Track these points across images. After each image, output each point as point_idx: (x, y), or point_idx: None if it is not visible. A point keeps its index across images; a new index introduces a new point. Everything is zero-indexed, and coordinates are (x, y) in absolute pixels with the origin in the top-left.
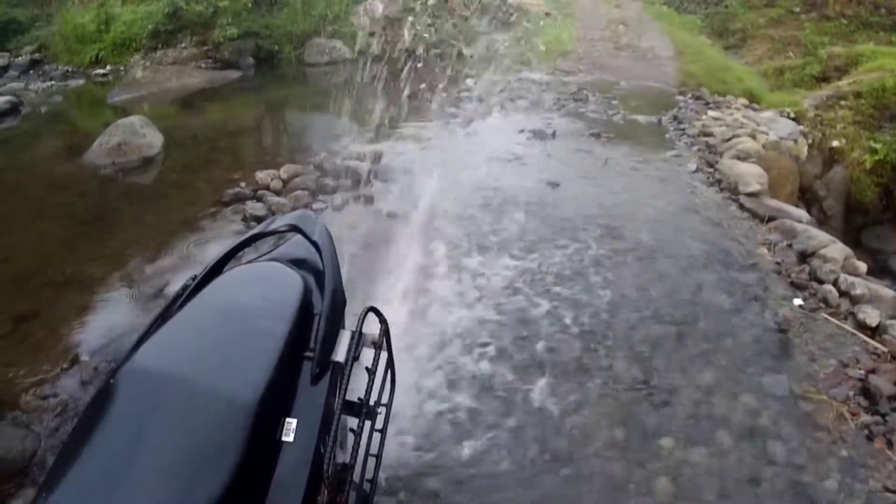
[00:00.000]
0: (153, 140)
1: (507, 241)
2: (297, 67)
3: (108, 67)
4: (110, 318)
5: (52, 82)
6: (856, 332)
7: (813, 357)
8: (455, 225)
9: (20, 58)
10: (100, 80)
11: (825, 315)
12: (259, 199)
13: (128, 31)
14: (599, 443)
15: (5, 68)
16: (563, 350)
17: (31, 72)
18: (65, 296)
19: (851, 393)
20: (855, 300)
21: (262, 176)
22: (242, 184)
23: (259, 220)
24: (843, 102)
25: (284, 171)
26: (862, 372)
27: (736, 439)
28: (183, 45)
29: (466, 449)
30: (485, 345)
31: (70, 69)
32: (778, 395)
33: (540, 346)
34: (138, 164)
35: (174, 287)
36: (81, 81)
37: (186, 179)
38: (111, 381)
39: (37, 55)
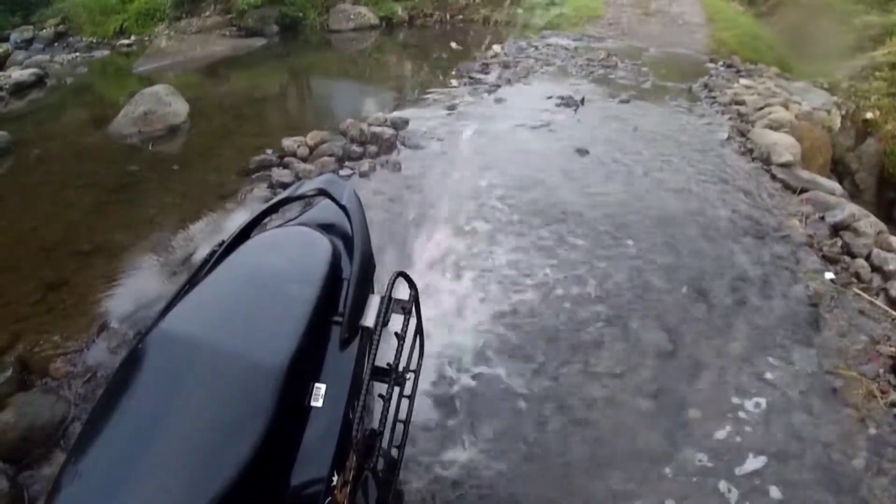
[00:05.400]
0: (179, 109)
1: (534, 212)
2: (321, 34)
3: (133, 38)
4: (138, 285)
5: (77, 54)
6: (888, 308)
7: (843, 332)
8: (480, 196)
9: (44, 31)
10: (124, 51)
11: (857, 290)
12: (285, 166)
13: (151, 1)
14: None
15: (30, 41)
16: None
17: (56, 44)
18: (93, 264)
19: (881, 370)
20: (887, 276)
21: (288, 143)
22: (269, 151)
23: (285, 186)
24: (877, 73)
25: (311, 138)
26: (893, 349)
27: (763, 413)
28: (207, 13)
29: None
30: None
31: (94, 41)
32: (807, 370)
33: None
34: (164, 132)
35: (201, 254)
36: (106, 52)
37: (212, 147)
38: (139, 346)
39: (61, 28)
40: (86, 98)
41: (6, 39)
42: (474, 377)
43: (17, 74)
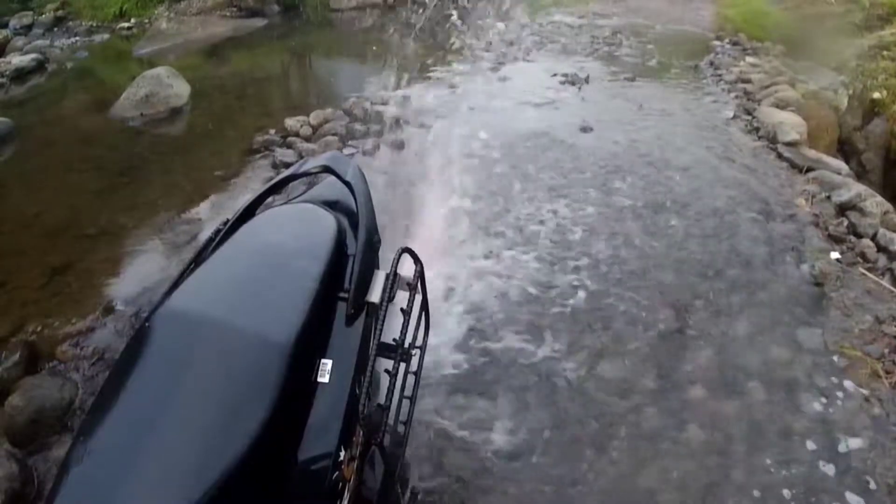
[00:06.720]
0: (180, 90)
1: (538, 196)
2: (323, 13)
3: (133, 21)
4: (143, 267)
5: (77, 38)
6: (893, 288)
7: (848, 312)
8: (484, 172)
9: (43, 16)
10: (125, 34)
11: (862, 270)
12: (288, 146)
13: None
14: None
15: (30, 27)
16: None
17: (56, 29)
18: (98, 247)
19: (886, 350)
20: (893, 256)
21: (290, 122)
22: (271, 131)
23: (288, 166)
24: (885, 53)
25: (314, 117)
26: None
27: (768, 392)
28: None
29: None
30: None
31: (94, 24)
32: (812, 349)
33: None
34: (166, 114)
35: (206, 234)
36: (106, 36)
37: (215, 128)
38: (146, 325)
39: (60, 12)
40: (87, 82)
41: (5, 26)
42: None
43: (17, 60)
